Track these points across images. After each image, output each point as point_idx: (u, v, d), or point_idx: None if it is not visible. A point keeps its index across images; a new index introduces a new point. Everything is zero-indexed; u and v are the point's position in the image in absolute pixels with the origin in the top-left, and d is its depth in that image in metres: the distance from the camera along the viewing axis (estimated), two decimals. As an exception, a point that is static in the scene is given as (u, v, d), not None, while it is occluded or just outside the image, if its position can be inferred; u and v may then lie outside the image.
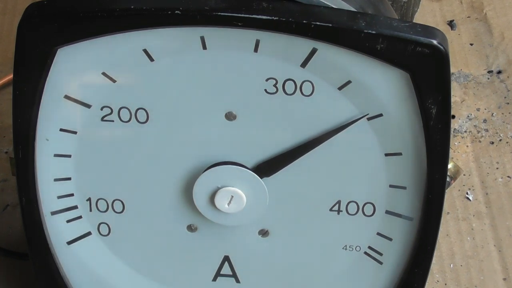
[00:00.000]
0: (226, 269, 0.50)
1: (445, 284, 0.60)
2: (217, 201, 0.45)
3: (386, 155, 0.44)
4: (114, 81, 0.43)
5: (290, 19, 0.39)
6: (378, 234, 0.47)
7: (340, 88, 0.42)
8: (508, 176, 0.61)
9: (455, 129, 0.61)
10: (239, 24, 0.40)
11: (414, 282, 0.48)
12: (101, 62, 0.42)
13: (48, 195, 0.47)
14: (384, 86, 0.41)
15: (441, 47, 0.39)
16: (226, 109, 0.43)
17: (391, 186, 0.45)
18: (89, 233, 0.48)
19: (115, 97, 0.43)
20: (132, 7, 0.40)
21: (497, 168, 0.62)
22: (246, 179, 0.45)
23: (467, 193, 0.62)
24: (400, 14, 0.58)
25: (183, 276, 0.51)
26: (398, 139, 0.43)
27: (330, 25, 0.39)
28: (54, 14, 0.41)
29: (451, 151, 0.43)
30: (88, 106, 0.43)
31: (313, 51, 0.40)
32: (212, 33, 0.41)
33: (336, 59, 0.41)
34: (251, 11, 0.39)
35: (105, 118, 0.44)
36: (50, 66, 0.42)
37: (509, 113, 0.58)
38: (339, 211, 0.47)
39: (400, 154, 0.44)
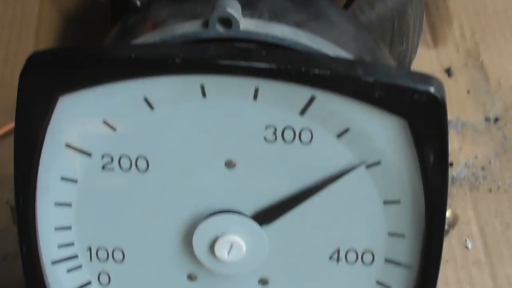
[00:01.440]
0: (226, 318, 0.49)
1: (446, 331, 0.60)
2: (217, 250, 0.45)
3: (385, 202, 0.44)
4: (114, 129, 0.43)
5: (289, 67, 0.39)
6: (378, 282, 0.47)
7: (338, 136, 0.42)
8: (507, 224, 0.62)
9: (453, 176, 0.61)
10: (239, 72, 0.40)
11: (414, 330, 0.47)
12: (102, 110, 0.42)
13: (49, 244, 0.47)
14: (382, 133, 0.41)
15: (438, 94, 0.39)
16: (226, 157, 0.44)
17: (390, 234, 0.45)
18: (89, 283, 0.48)
19: (116, 145, 0.44)
20: (132, 55, 0.41)
21: (495, 216, 0.62)
22: (246, 227, 0.45)
23: (466, 241, 0.62)
24: (398, 62, 0.59)
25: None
26: (397, 186, 0.43)
27: (329, 73, 0.39)
28: (56, 63, 0.41)
29: (449, 198, 0.43)
30: (89, 154, 0.44)
31: (312, 99, 0.40)
32: (212, 81, 0.41)
33: (335, 107, 0.41)
34: (250, 59, 0.40)
35: (105, 167, 0.44)
36: (51, 114, 0.42)
37: (507, 160, 0.59)
38: (338, 259, 0.47)
39: (398, 201, 0.44)
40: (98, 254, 0.48)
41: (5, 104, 0.60)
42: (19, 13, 0.71)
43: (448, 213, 0.44)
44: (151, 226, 0.47)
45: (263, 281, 0.48)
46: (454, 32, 0.65)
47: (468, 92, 0.61)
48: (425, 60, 0.62)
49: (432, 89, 0.39)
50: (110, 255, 0.48)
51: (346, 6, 0.52)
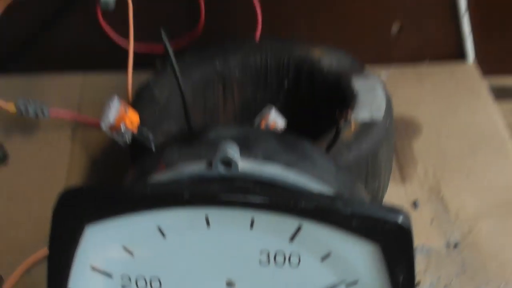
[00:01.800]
0: None
1: None
2: None
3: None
4: (132, 253, 0.43)
5: (279, 202, 0.40)
6: None
7: (322, 259, 0.42)
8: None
9: (420, 294, 0.61)
10: (237, 205, 0.40)
11: None
12: (122, 237, 0.42)
13: None
14: (359, 256, 0.41)
15: (405, 224, 0.40)
16: (227, 277, 0.44)
17: None
18: None
19: (133, 267, 0.44)
20: (148, 192, 0.41)
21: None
22: None
23: None
24: (372, 196, 0.59)
25: None
26: (372, 303, 0.43)
27: (313, 206, 0.40)
28: (83, 198, 0.42)
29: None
30: (110, 275, 0.44)
31: (299, 228, 0.41)
32: (215, 213, 0.41)
33: (319, 234, 0.41)
34: (247, 194, 0.40)
35: (124, 286, 0.44)
36: (79, 241, 0.42)
37: (466, 279, 0.59)
38: None
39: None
40: None
41: (37, 234, 0.60)
42: (53, 154, 0.71)
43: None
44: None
45: None
46: (418, 172, 0.66)
47: (432, 222, 0.61)
48: (395, 195, 0.62)
49: (400, 220, 0.40)
50: None
51: (327, 149, 0.53)
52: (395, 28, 0.74)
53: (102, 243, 0.43)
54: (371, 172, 0.59)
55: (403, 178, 0.62)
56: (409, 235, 0.40)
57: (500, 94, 0.77)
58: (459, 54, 0.78)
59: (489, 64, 0.78)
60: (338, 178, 0.46)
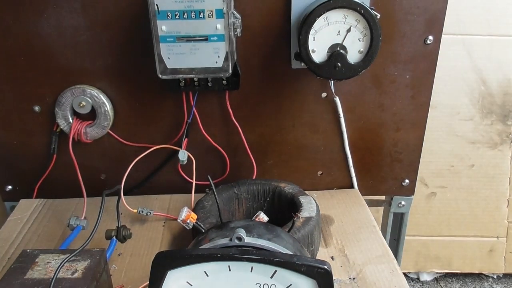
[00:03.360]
0: None
1: None
2: None
3: None
4: (191, 285, 0.41)
5: (265, 257, 0.40)
6: None
7: (286, 288, 0.42)
8: None
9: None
10: (244, 259, 0.39)
11: None
12: (186, 276, 0.41)
13: None
14: (306, 286, 0.40)
15: (329, 269, 0.39)
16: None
17: None
18: None
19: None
20: (200, 253, 0.40)
21: None
22: None
23: None
24: (311, 255, 0.58)
25: None
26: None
27: (282, 260, 0.39)
28: (167, 257, 0.41)
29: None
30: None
31: (275, 271, 0.40)
32: (234, 264, 0.40)
33: (285, 274, 0.39)
34: (249, 254, 0.40)
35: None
36: (164, 279, 0.40)
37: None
38: None
39: None
40: None
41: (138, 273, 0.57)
42: (152, 234, 0.67)
43: None
44: None
45: None
46: (333, 242, 0.64)
47: (341, 266, 0.59)
48: (322, 254, 0.61)
49: (326, 266, 0.40)
50: None
51: (288, 231, 0.53)
52: (319, 173, 0.75)
53: (175, 280, 0.41)
54: (310, 242, 0.57)
55: (326, 244, 0.61)
56: (331, 275, 0.40)
57: (370, 204, 0.77)
58: (350, 185, 0.78)
59: (364, 189, 0.77)
60: (294, 245, 0.45)
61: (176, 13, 0.56)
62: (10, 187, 0.75)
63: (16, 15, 0.63)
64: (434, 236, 1.16)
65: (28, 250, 0.51)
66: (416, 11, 0.65)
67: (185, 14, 0.56)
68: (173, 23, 0.56)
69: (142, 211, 0.67)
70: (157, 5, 0.56)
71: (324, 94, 0.70)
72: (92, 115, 0.70)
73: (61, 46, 0.66)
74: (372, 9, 0.59)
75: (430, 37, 0.67)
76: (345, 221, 0.67)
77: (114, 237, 0.60)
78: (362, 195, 0.75)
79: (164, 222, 0.68)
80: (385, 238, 0.76)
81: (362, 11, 0.58)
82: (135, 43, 0.65)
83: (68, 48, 0.66)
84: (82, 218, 0.65)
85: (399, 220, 0.83)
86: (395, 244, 0.87)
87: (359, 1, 0.58)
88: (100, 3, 0.64)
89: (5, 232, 0.67)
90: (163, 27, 0.57)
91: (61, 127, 0.70)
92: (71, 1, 0.64)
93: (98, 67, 0.67)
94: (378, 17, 0.58)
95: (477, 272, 1.20)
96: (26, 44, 0.65)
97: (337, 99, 0.71)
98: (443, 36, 0.67)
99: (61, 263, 0.47)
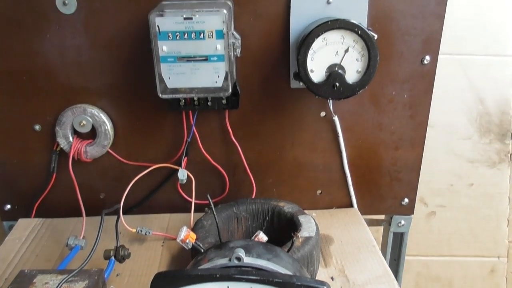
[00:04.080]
0: None
1: None
2: None
3: None
4: None
5: (265, 278, 0.39)
6: None
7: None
8: None
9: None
10: (244, 280, 0.39)
11: None
12: None
13: None
14: None
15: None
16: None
17: None
18: None
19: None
20: (199, 273, 0.40)
21: None
22: None
23: None
24: (310, 275, 0.57)
25: None
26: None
27: (282, 281, 0.39)
28: (165, 276, 0.41)
29: None
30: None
31: None
32: (232, 284, 0.40)
33: None
34: (248, 274, 0.39)
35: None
36: None
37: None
38: None
39: None
40: None
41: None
42: (151, 254, 0.66)
43: None
44: None
45: None
46: (333, 262, 0.63)
47: (340, 287, 0.59)
48: (322, 274, 0.60)
49: (326, 287, 0.39)
50: None
51: (288, 251, 0.52)
52: (318, 192, 0.75)
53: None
54: (310, 262, 0.57)
55: (326, 264, 0.61)
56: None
57: (370, 223, 0.77)
58: (350, 204, 0.77)
59: (364, 208, 0.77)
60: (294, 266, 0.45)
61: (177, 34, 0.57)
62: (9, 206, 0.75)
63: (20, 35, 0.64)
64: (435, 256, 1.15)
65: (26, 271, 0.50)
66: (413, 32, 0.67)
67: (186, 34, 0.57)
68: (173, 44, 0.57)
69: (141, 231, 0.67)
70: (158, 26, 0.57)
71: (323, 113, 0.71)
72: (92, 134, 0.71)
73: (63, 66, 0.67)
74: (369, 30, 0.60)
75: (427, 57, 0.69)
76: (345, 241, 0.67)
77: (113, 257, 0.60)
78: (362, 214, 0.75)
79: (163, 242, 0.68)
80: (385, 258, 0.77)
81: (359, 32, 0.59)
82: (136, 63, 0.66)
83: (70, 68, 0.67)
84: (81, 237, 0.64)
85: (399, 240, 0.83)
86: (395, 264, 0.86)
87: (356, 22, 0.59)
88: (102, 24, 0.65)
89: (3, 252, 0.67)
90: (164, 47, 0.57)
91: (61, 146, 0.70)
92: (74, 22, 0.65)
93: (99, 87, 0.68)
94: (375, 38, 0.60)
95: (478, 292, 1.18)
96: (28, 64, 0.66)
97: (335, 118, 0.71)
98: (440, 55, 0.68)
99: (59, 284, 0.46)
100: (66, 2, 0.63)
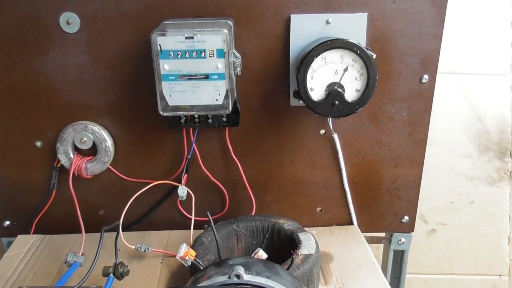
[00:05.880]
0: None
1: None
2: None
3: None
4: None
5: None
6: None
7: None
8: None
9: None
10: None
11: None
12: None
13: None
14: None
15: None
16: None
17: None
18: None
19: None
20: None
21: None
22: None
23: None
24: None
25: None
26: None
27: None
28: None
29: None
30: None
31: None
32: None
33: None
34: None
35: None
36: None
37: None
38: None
39: None
40: None
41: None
42: (149, 271, 0.66)
43: None
44: None
45: None
46: (333, 279, 0.63)
47: None
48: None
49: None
50: None
51: (287, 268, 0.52)
52: (318, 209, 0.75)
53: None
54: (309, 280, 0.56)
55: (326, 282, 0.61)
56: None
57: (370, 241, 0.77)
58: (350, 221, 0.77)
59: (364, 226, 0.77)
60: (293, 283, 0.45)
61: (178, 53, 0.58)
62: (8, 222, 0.75)
63: (23, 53, 0.65)
64: (436, 274, 1.14)
65: None
66: (411, 51, 0.68)
67: (187, 53, 0.58)
68: (175, 62, 0.58)
69: (140, 248, 0.67)
70: (160, 45, 0.58)
71: (322, 131, 0.72)
72: (93, 151, 0.71)
73: (65, 83, 0.68)
74: (368, 49, 0.61)
75: (426, 76, 0.69)
76: (345, 258, 0.66)
77: (112, 274, 0.60)
78: (362, 231, 0.74)
79: (162, 259, 0.67)
80: (385, 276, 0.75)
81: (358, 51, 0.60)
82: (137, 81, 0.67)
83: (72, 85, 0.68)
84: (80, 254, 0.64)
85: (400, 258, 0.83)
86: (396, 282, 0.86)
87: (355, 42, 0.60)
88: (104, 43, 0.66)
89: (1, 269, 0.66)
90: (165, 65, 0.58)
91: (62, 163, 0.70)
92: (76, 40, 0.66)
93: (100, 104, 0.69)
94: (374, 57, 0.61)
95: (480, 311, 1.17)
96: (30, 81, 0.67)
97: (335, 136, 0.72)
98: (438, 74, 0.69)
99: (57, 301, 0.46)
100: (70, 21, 0.64)
